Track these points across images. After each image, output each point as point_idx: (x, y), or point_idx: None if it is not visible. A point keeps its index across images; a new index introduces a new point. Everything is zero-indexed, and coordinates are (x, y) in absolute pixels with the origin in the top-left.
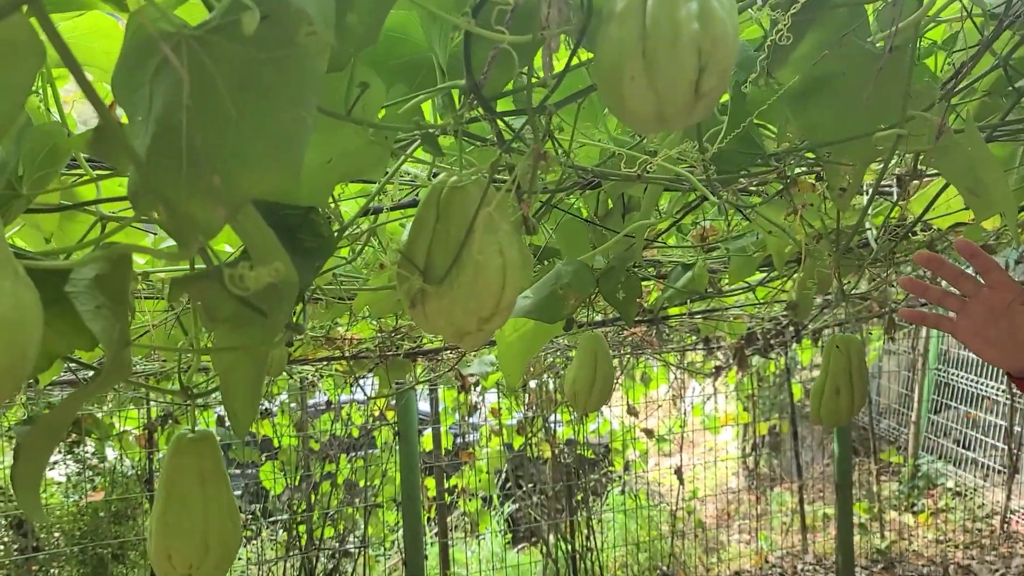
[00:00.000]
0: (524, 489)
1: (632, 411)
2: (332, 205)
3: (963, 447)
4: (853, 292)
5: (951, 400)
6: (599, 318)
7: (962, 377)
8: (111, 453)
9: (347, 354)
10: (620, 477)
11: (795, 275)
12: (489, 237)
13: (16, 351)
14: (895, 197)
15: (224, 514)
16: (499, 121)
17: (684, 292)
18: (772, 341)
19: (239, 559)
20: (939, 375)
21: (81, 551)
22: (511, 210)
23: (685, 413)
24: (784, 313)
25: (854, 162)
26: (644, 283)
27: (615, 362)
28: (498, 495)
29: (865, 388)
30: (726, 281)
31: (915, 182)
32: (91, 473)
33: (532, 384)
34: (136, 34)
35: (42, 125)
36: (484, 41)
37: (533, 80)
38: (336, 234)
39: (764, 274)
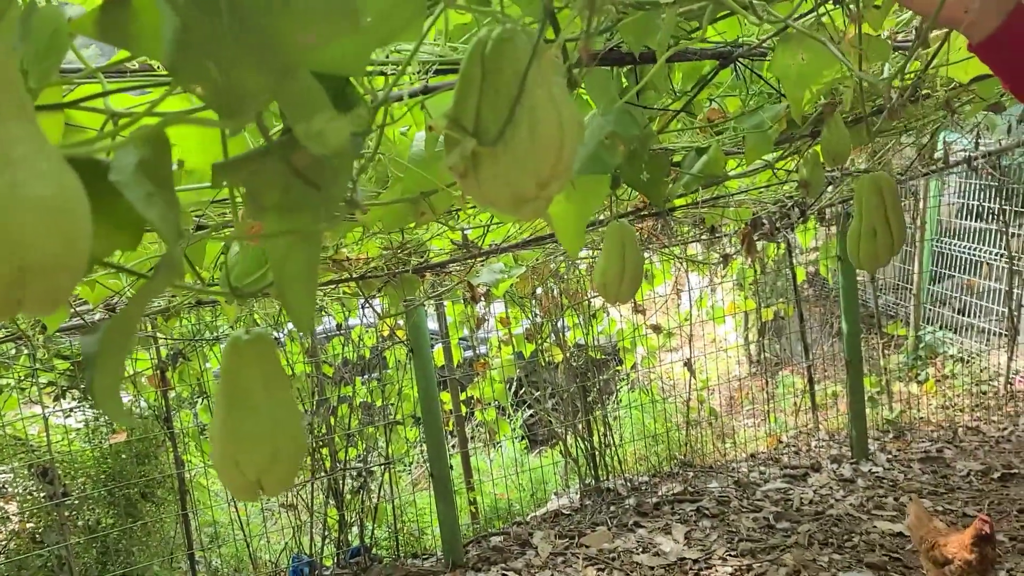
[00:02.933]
0: (537, 395)
1: (638, 309)
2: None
3: (963, 315)
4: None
5: (949, 269)
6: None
7: (958, 246)
8: (125, 397)
9: (354, 275)
10: (628, 375)
11: (806, 151)
12: (542, 91)
13: (66, 238)
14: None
15: (291, 418)
16: None
17: (700, 177)
18: (778, 225)
19: None
20: (936, 246)
21: (109, 493)
22: (560, 62)
23: (690, 306)
24: (791, 195)
25: None
26: None
27: None
28: (512, 403)
29: (902, 226)
30: (735, 164)
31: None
32: (108, 418)
33: (539, 291)
34: None
35: (41, 8)
36: None
37: None
38: (373, 109)
39: (781, 151)
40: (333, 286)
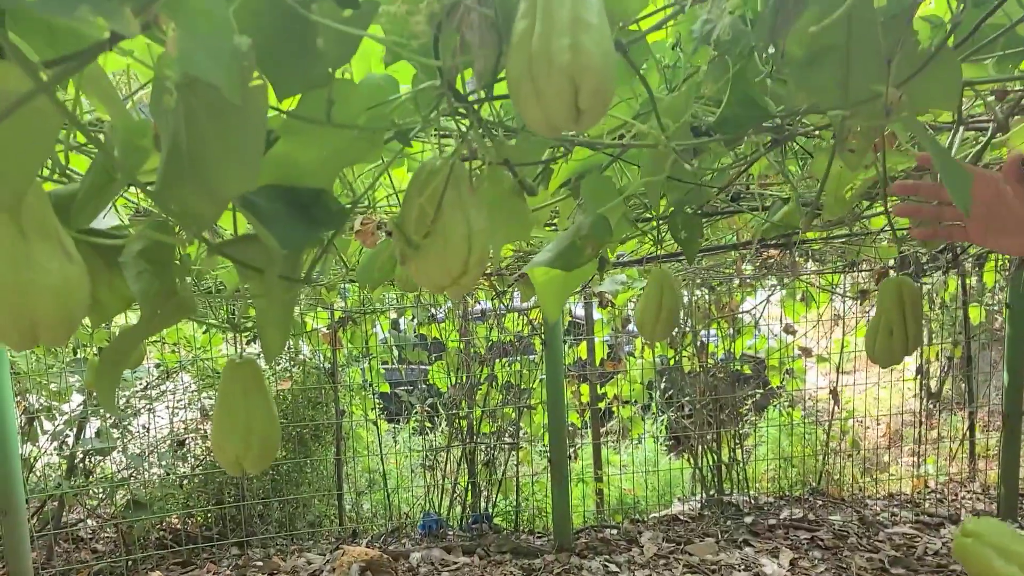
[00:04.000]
0: (675, 401)
1: (789, 329)
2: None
3: None
4: None
5: None
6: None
7: None
8: (304, 348)
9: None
10: (777, 394)
11: None
12: (458, 212)
13: (65, 311)
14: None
15: (263, 417)
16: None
17: (779, 226)
18: (926, 266)
19: (416, 449)
20: None
21: (283, 428)
22: (503, 182)
23: (842, 335)
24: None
25: (858, 125)
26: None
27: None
28: (658, 403)
29: (919, 330)
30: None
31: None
32: (290, 364)
33: (692, 297)
34: (157, 78)
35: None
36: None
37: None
38: (349, 206)
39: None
40: None
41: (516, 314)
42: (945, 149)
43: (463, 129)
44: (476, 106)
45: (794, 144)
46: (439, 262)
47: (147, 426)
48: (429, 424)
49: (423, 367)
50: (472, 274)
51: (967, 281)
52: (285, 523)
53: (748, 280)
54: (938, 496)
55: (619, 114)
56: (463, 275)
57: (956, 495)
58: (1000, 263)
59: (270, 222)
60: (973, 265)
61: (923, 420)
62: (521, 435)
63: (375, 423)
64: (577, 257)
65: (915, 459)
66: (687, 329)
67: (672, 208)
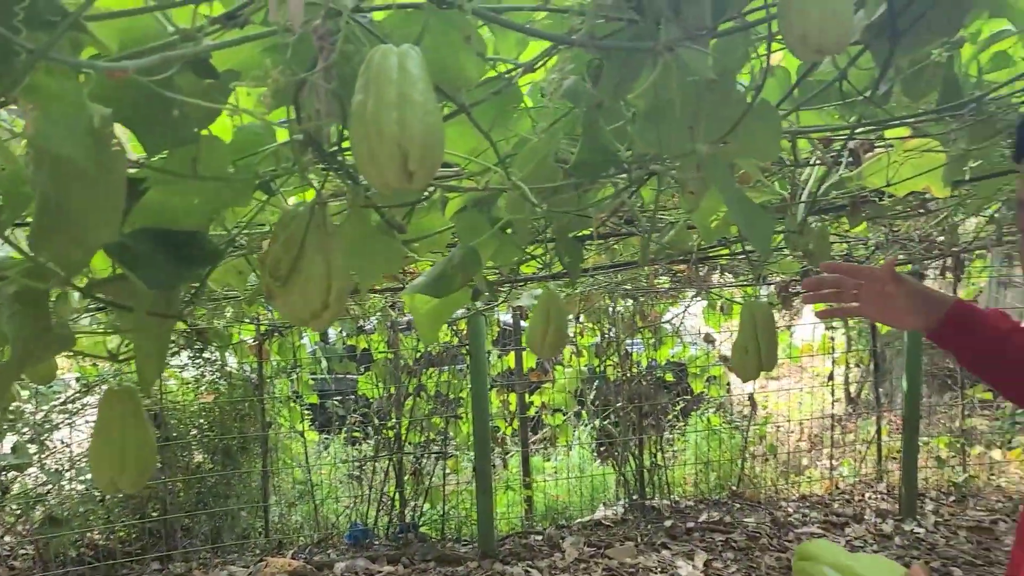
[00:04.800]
0: (599, 408)
1: (708, 338)
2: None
3: None
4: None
5: None
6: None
7: None
8: (231, 360)
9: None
10: (703, 401)
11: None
12: (316, 253)
13: None
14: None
15: (138, 441)
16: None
17: (666, 248)
18: None
19: (346, 460)
20: None
21: (208, 441)
22: (370, 221)
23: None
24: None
25: (689, 174)
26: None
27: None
28: (588, 411)
29: (772, 350)
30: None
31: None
32: (217, 375)
33: (618, 309)
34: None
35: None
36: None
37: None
38: (224, 246)
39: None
40: (390, 292)
41: (445, 325)
42: (746, 199)
43: (327, 178)
44: (340, 157)
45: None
46: (301, 298)
47: (66, 441)
48: (360, 434)
49: (352, 378)
50: (333, 308)
51: None
52: (212, 536)
53: (664, 293)
54: (846, 497)
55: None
56: (324, 310)
57: (863, 496)
58: None
59: (140, 264)
60: None
61: (837, 424)
62: (451, 444)
63: (302, 435)
64: (449, 286)
65: (831, 462)
66: (612, 338)
67: (554, 237)
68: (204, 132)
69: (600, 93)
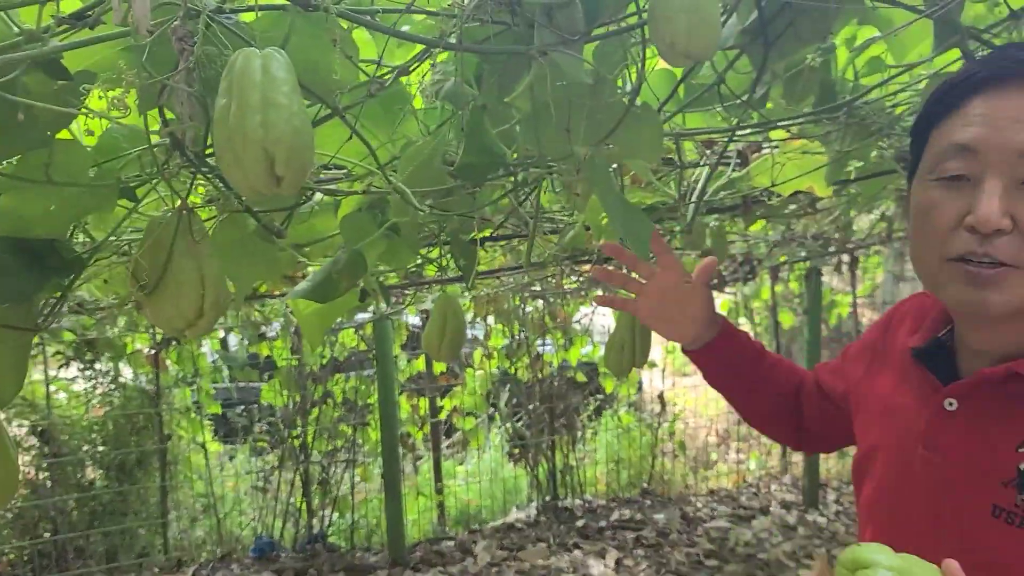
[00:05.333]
0: (513, 409)
1: None
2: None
3: None
4: (809, 233)
5: None
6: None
7: None
8: (126, 371)
9: None
10: (612, 400)
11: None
12: (187, 260)
13: None
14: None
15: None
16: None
17: (568, 247)
18: (728, 278)
19: (251, 470)
20: None
21: (102, 457)
22: (247, 226)
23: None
24: (746, 251)
25: (571, 176)
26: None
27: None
28: (502, 413)
29: (645, 348)
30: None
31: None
32: (111, 387)
33: (528, 309)
34: None
35: None
36: None
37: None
38: (87, 255)
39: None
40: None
41: (352, 329)
42: (625, 202)
43: (194, 183)
44: (210, 160)
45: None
46: (173, 307)
47: None
48: (266, 444)
49: (256, 386)
50: (209, 316)
51: (776, 288)
52: (108, 556)
53: (574, 293)
54: (753, 490)
55: (382, 156)
56: (199, 317)
57: (769, 488)
58: (800, 272)
59: None
60: (786, 272)
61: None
62: (361, 451)
63: (203, 446)
64: (333, 290)
65: (738, 456)
66: (522, 340)
67: (448, 240)
68: (64, 135)
69: (484, 95)
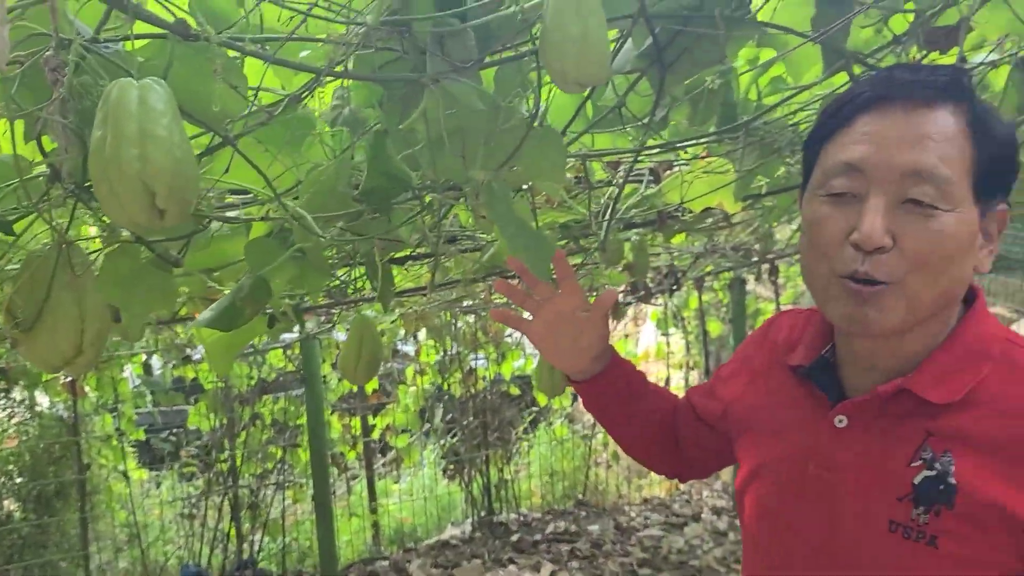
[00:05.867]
0: (447, 425)
1: None
2: None
3: None
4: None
5: None
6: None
7: None
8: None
9: None
10: (547, 412)
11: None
12: (66, 294)
13: None
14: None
15: None
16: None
17: (488, 265)
18: (654, 290)
19: (179, 497)
20: None
21: (20, 488)
22: (141, 255)
23: None
24: (671, 264)
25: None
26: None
27: None
28: (437, 429)
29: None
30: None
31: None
32: (27, 416)
33: (460, 324)
34: None
35: None
36: None
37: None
38: None
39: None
40: None
41: (280, 350)
42: (524, 224)
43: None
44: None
45: None
46: (49, 344)
47: None
48: (195, 469)
49: (182, 410)
50: (89, 353)
51: (703, 297)
52: None
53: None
54: (686, 498)
55: (287, 181)
56: (78, 355)
57: (701, 495)
58: (726, 282)
59: None
60: (712, 282)
61: None
62: (294, 473)
63: (126, 475)
64: (237, 318)
65: None
66: (455, 355)
67: (365, 263)
68: None
69: (385, 120)
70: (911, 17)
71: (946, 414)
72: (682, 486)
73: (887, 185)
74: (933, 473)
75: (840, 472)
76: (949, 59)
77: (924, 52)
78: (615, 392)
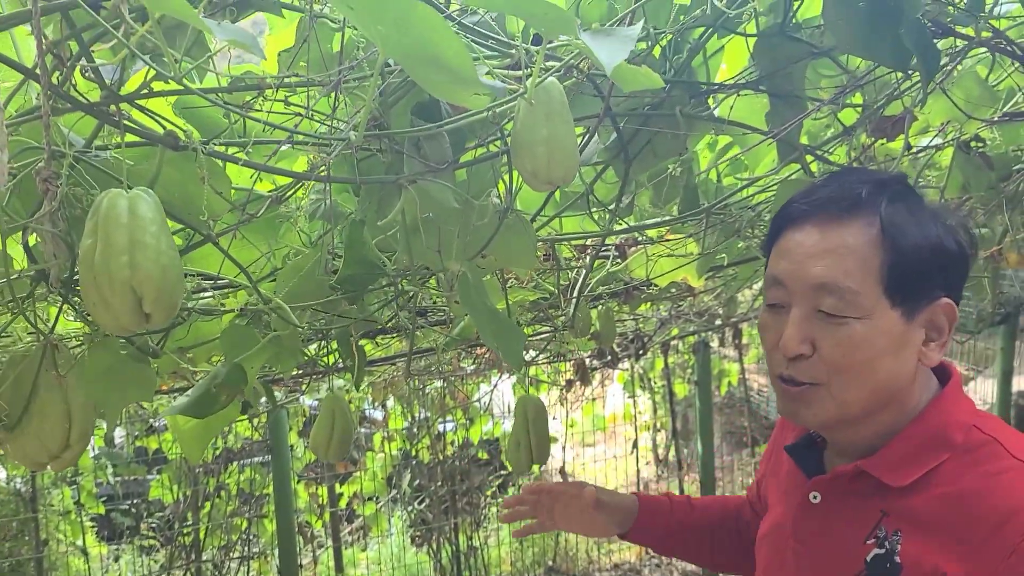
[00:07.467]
0: (415, 492)
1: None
2: None
3: None
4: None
5: None
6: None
7: None
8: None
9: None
10: (513, 476)
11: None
12: (52, 392)
13: None
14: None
15: None
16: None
17: (458, 339)
18: (621, 355)
19: (140, 571)
20: None
21: None
22: (120, 348)
23: (567, 415)
24: (636, 329)
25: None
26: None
27: None
28: (405, 495)
29: (543, 443)
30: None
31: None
32: None
33: (428, 390)
34: None
35: None
36: None
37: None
38: None
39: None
40: (178, 394)
41: (246, 419)
42: (497, 315)
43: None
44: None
45: None
46: (36, 442)
47: None
48: (156, 542)
49: (142, 480)
50: (75, 448)
51: (669, 359)
52: None
53: (472, 373)
54: (656, 562)
55: (265, 268)
56: (65, 450)
57: (671, 560)
58: (690, 344)
59: None
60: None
61: (645, 488)
62: (259, 544)
63: (84, 551)
64: (212, 405)
65: None
66: (423, 421)
67: (335, 339)
68: None
69: (362, 210)
70: (860, 109)
71: (901, 495)
72: (652, 551)
73: (802, 297)
74: (883, 551)
75: (808, 545)
76: (896, 145)
77: (873, 140)
78: (657, 528)
